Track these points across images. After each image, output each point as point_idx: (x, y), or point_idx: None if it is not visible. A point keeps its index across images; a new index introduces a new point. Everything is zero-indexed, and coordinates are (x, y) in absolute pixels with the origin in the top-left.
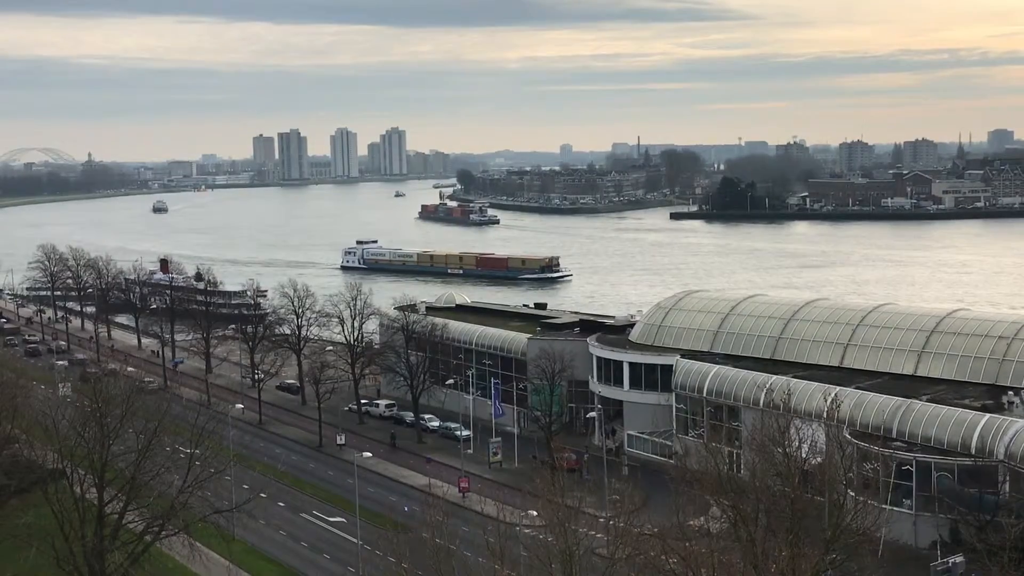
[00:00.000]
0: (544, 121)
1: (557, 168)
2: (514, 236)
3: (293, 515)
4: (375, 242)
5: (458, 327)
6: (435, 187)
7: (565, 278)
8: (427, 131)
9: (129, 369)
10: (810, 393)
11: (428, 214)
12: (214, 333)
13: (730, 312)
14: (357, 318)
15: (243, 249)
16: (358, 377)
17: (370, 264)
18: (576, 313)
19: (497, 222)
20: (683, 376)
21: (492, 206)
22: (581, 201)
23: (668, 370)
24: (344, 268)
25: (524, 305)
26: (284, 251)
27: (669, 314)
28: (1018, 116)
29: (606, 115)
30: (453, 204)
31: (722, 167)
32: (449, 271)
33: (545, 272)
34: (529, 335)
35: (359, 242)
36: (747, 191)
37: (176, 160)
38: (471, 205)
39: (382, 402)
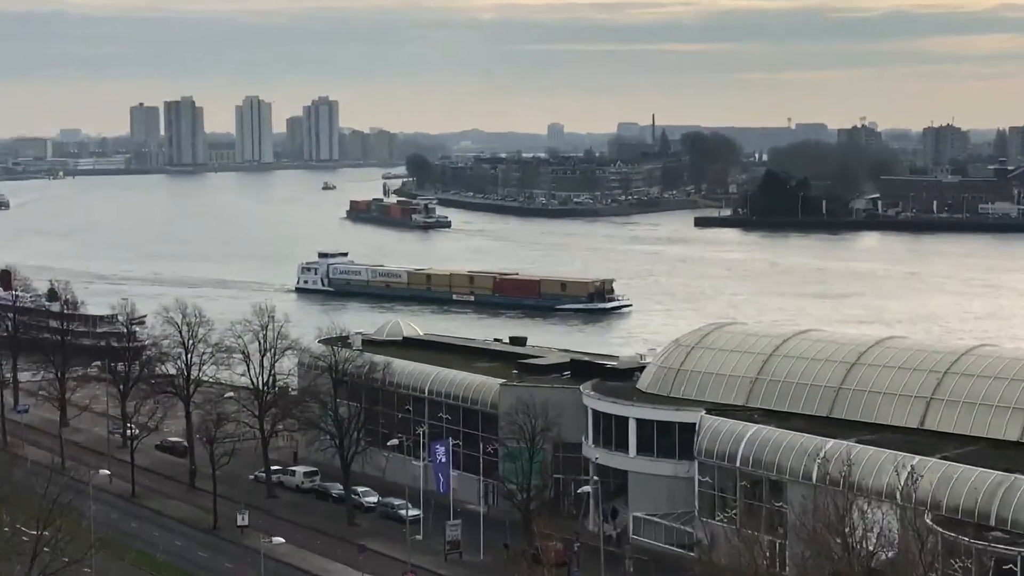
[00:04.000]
0: (526, 92)
1: (543, 155)
2: (473, 247)
3: None
4: (345, 255)
5: (406, 368)
6: (384, 178)
7: (622, 309)
8: (367, 103)
9: None
10: (879, 464)
11: (359, 213)
12: (72, 372)
13: (774, 352)
14: (268, 354)
15: (120, 259)
16: (268, 434)
17: (339, 286)
18: (566, 351)
19: (448, 225)
20: (709, 438)
21: (453, 204)
22: (575, 200)
23: (690, 430)
24: (301, 291)
25: (496, 339)
26: (195, 264)
27: (692, 354)
28: None
29: (610, 86)
30: (391, 201)
31: (765, 157)
32: (455, 296)
33: (595, 301)
34: (502, 380)
35: (323, 255)
36: (798, 190)
37: (24, 137)
38: (415, 202)
39: (300, 469)
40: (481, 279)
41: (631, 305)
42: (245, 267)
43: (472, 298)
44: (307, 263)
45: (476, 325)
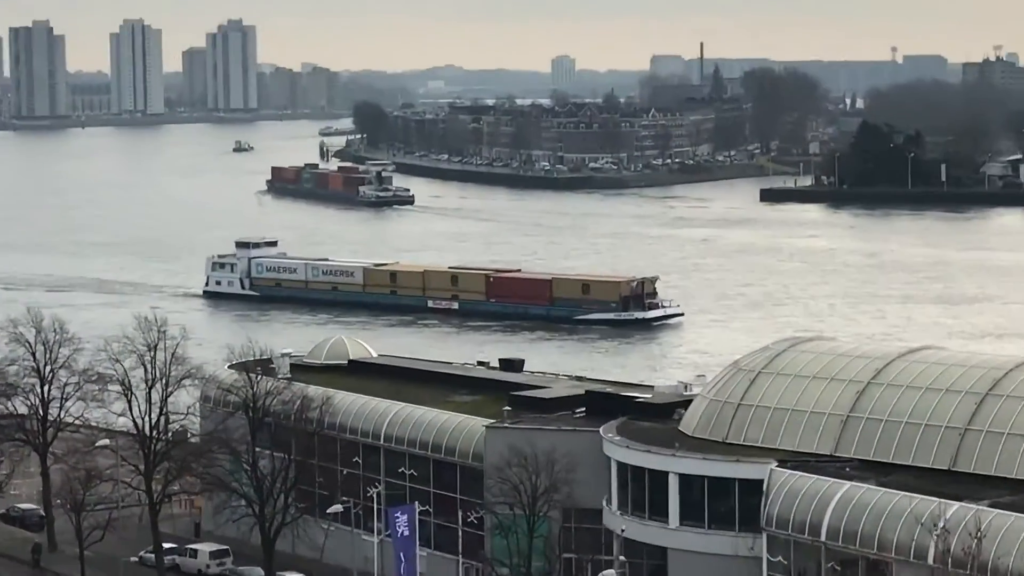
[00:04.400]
0: (522, 12)
1: (546, 102)
2: (448, 232)
3: None
4: (274, 244)
5: (353, 404)
6: (323, 134)
7: (669, 319)
8: (298, 30)
9: None
10: (1023, 537)
11: (284, 185)
12: None
13: (873, 380)
14: (158, 384)
15: None
16: (159, 499)
17: (266, 289)
18: (579, 379)
19: (410, 201)
20: (783, 502)
21: (419, 171)
22: (592, 166)
23: (754, 490)
24: (211, 295)
25: (480, 362)
26: (54, 259)
27: (758, 382)
28: None
29: (640, 2)
30: (330, 168)
31: (860, 104)
32: (432, 303)
33: (630, 308)
34: (489, 420)
35: (242, 245)
36: (907, 150)
37: None
38: (364, 169)
39: (205, 547)
40: (469, 279)
41: (682, 314)
42: (127, 263)
43: (456, 305)
44: (220, 257)
45: (456, 343)
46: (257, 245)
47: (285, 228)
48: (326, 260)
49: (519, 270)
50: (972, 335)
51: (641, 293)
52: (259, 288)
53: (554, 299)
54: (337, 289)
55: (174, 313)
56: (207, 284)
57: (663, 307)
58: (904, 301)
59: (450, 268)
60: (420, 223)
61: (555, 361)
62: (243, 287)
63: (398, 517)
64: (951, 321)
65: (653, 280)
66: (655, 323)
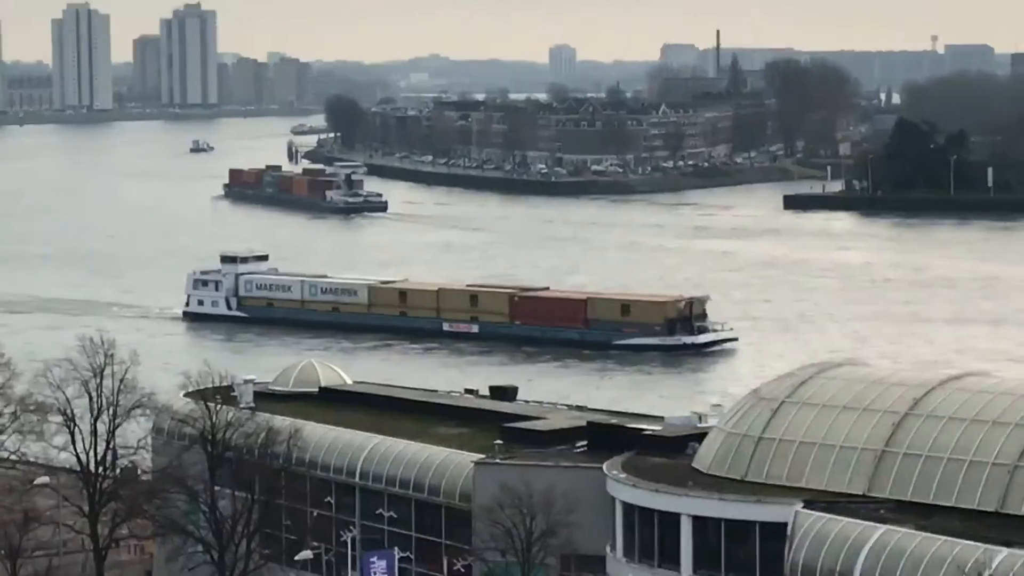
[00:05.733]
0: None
1: (544, 96)
2: (429, 244)
3: None
4: (264, 259)
5: (324, 438)
6: (295, 133)
7: (722, 344)
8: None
9: None
10: None
11: (243, 189)
12: None
13: (912, 410)
14: (104, 414)
15: None
16: (105, 544)
17: (254, 310)
18: (580, 409)
19: (382, 208)
20: (810, 547)
21: (398, 174)
22: (594, 168)
23: (778, 534)
24: (193, 317)
25: (468, 390)
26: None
27: (781, 413)
28: None
29: None
30: (295, 171)
31: (896, 99)
32: (448, 326)
33: (678, 332)
34: (477, 456)
35: (228, 260)
36: (949, 151)
37: None
38: (331, 171)
39: None
40: (490, 298)
41: (736, 339)
42: (77, 277)
43: (475, 328)
44: (202, 274)
45: (475, 371)
46: (245, 260)
47: (232, 239)
48: (325, 277)
49: (547, 288)
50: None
51: (689, 315)
52: (248, 308)
53: (589, 322)
54: (338, 310)
55: (151, 336)
56: (187, 304)
57: (715, 331)
58: (953, 323)
59: (468, 286)
60: (397, 233)
61: (589, 394)
62: (229, 307)
63: (374, 563)
64: (1001, 344)
65: (703, 300)
66: (706, 349)
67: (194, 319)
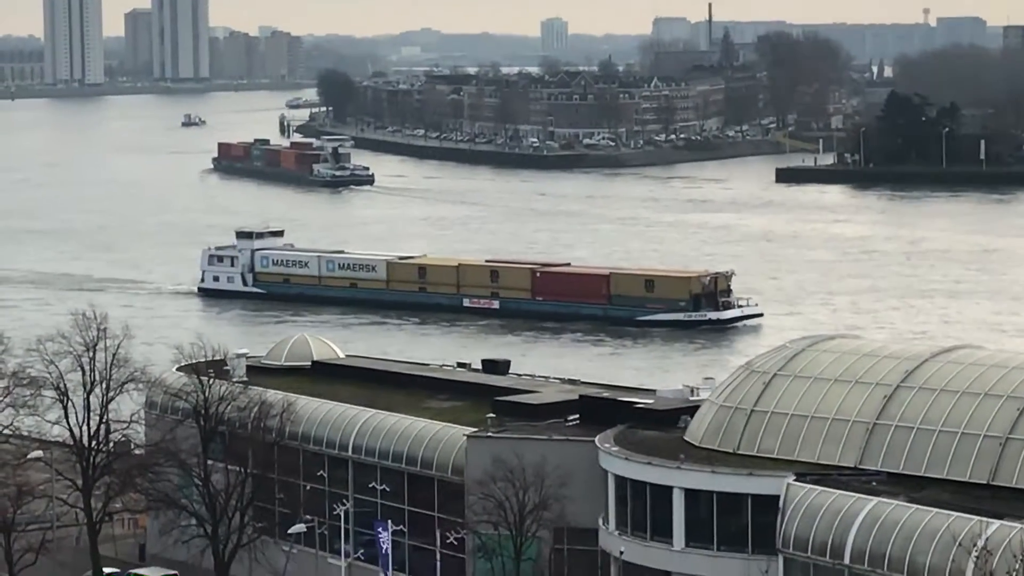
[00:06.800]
0: None
1: (535, 70)
2: (418, 218)
3: None
4: (280, 234)
5: (317, 412)
6: (290, 106)
7: (747, 319)
8: None
9: None
10: None
11: (232, 162)
12: None
13: (903, 383)
14: (97, 389)
15: None
16: (99, 518)
17: (271, 286)
18: (572, 382)
19: (369, 180)
20: (801, 520)
21: (389, 148)
22: (586, 142)
23: (770, 506)
24: (208, 293)
25: (459, 364)
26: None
27: (773, 386)
28: None
29: None
30: (283, 145)
31: (888, 73)
32: (468, 302)
33: (703, 308)
34: (470, 430)
35: (243, 235)
36: (941, 124)
37: None
38: (318, 144)
39: (150, 572)
40: (511, 274)
41: (762, 315)
42: (81, 252)
43: (496, 304)
44: (218, 250)
45: (496, 346)
46: (261, 235)
47: (219, 213)
48: (342, 252)
49: (569, 264)
50: (1020, 332)
51: (714, 290)
52: (264, 285)
53: (612, 297)
54: (356, 286)
55: (167, 311)
56: (202, 280)
57: (739, 306)
58: (953, 295)
59: (488, 262)
60: (385, 207)
61: (613, 372)
62: (245, 283)
63: (380, 533)
64: (996, 317)
65: (728, 276)
66: (730, 325)
67: (210, 295)
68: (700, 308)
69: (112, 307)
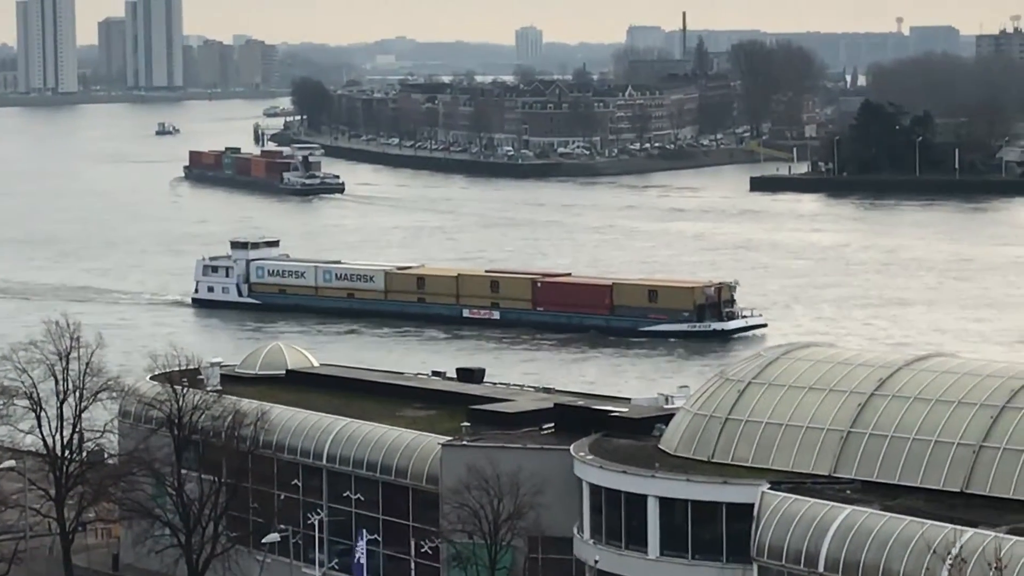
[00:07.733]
0: None
1: (510, 79)
2: (389, 226)
3: None
4: (275, 244)
5: (292, 420)
6: (267, 114)
7: (751, 331)
8: None
9: None
10: None
11: (203, 171)
12: None
13: (877, 391)
14: (71, 398)
15: None
16: (72, 527)
17: (266, 297)
18: (546, 391)
19: (339, 189)
20: (776, 528)
21: (363, 157)
22: (561, 150)
23: (743, 515)
24: (202, 304)
25: (434, 372)
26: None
27: (747, 394)
28: None
29: None
30: (253, 154)
31: (862, 81)
32: (467, 313)
33: (706, 318)
34: (445, 438)
35: (237, 245)
36: (914, 132)
37: None
38: (288, 152)
39: None
40: (511, 284)
41: (766, 325)
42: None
43: (496, 315)
44: (212, 260)
45: (497, 358)
46: (256, 245)
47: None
48: (339, 263)
49: (569, 274)
50: (996, 341)
51: (718, 301)
52: (259, 295)
53: (615, 308)
54: (353, 296)
55: (164, 321)
56: (196, 291)
57: (743, 317)
58: (930, 305)
59: (488, 272)
60: (358, 215)
61: (617, 382)
62: (240, 294)
63: (358, 544)
64: (972, 326)
65: (732, 286)
66: (735, 335)
67: (203, 306)
68: (704, 319)
69: (98, 316)
